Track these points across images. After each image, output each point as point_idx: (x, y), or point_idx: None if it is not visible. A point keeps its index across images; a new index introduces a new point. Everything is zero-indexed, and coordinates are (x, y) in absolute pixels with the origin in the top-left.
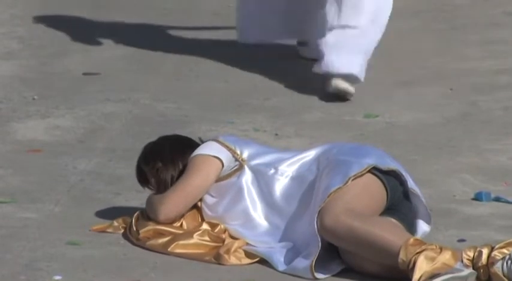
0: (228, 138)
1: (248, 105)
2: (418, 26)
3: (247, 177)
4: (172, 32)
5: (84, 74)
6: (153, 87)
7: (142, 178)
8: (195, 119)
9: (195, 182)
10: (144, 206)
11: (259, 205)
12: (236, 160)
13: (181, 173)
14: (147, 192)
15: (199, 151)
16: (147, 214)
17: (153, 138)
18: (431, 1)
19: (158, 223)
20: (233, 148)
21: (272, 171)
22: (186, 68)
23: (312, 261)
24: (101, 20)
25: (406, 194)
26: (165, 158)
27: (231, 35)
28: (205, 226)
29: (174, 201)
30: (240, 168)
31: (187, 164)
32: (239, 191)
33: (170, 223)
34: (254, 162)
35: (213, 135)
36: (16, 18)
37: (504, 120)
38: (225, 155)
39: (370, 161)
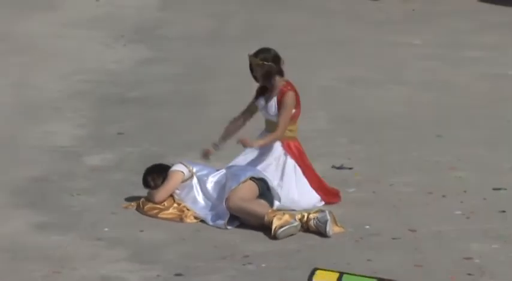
0: (185, 160)
1: None
2: None
3: (195, 181)
4: None
5: None
6: None
7: (146, 183)
8: None
9: (171, 183)
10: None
11: (200, 194)
12: (189, 171)
13: (164, 178)
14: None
15: (173, 167)
16: (147, 199)
17: None
18: None
19: (154, 203)
20: (189, 166)
21: (205, 178)
22: None
23: (225, 221)
24: None
25: (269, 188)
26: (157, 173)
27: None
28: (175, 205)
29: (163, 193)
30: (191, 176)
31: (168, 174)
32: (191, 187)
33: (159, 203)
34: (199, 173)
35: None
36: None
37: None
38: (185, 170)
39: (249, 174)
